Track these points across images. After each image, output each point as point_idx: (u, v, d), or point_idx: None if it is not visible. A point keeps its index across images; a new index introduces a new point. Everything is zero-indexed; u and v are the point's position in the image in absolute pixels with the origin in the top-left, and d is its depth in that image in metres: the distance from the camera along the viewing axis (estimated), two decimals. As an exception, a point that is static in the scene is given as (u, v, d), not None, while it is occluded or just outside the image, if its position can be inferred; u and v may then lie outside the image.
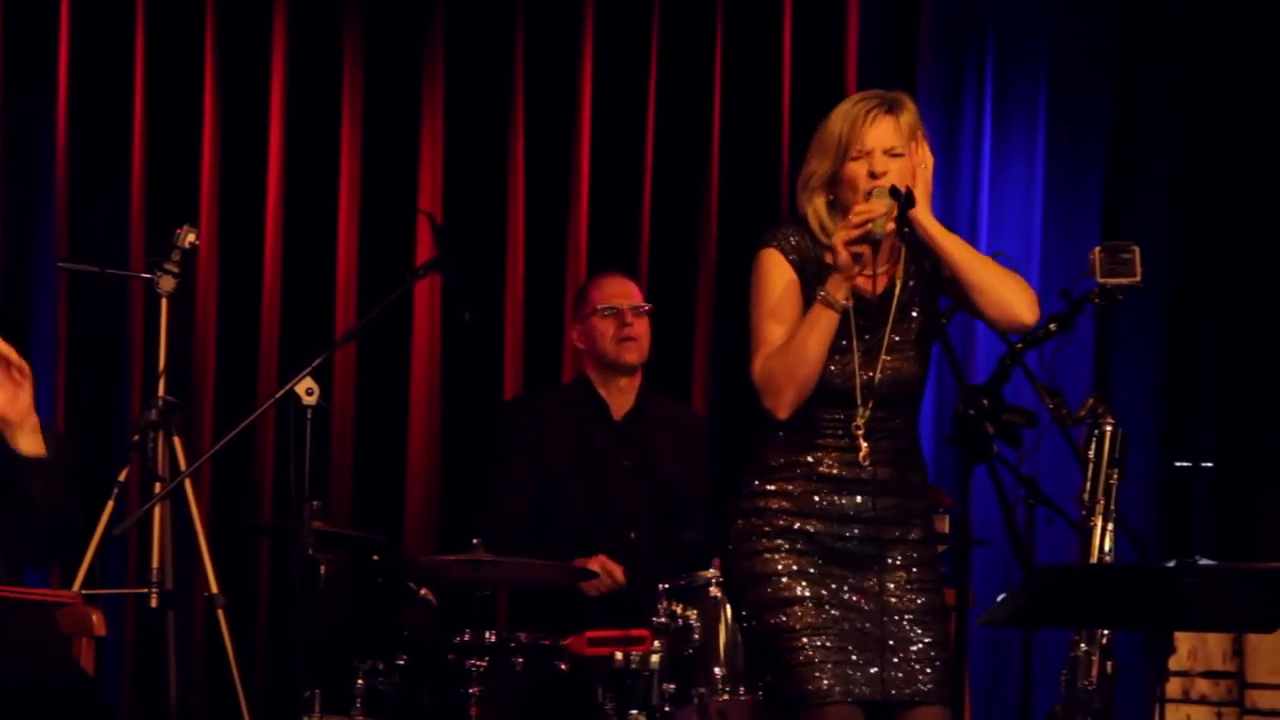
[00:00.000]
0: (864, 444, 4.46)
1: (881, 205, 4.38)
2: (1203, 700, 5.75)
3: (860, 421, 4.46)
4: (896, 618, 4.45)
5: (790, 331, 4.45)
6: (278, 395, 5.47)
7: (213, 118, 6.95)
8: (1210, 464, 6.78)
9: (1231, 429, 6.90)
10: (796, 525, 4.48)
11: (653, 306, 6.28)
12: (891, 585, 4.47)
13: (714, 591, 5.62)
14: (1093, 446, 5.40)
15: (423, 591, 5.83)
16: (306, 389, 5.38)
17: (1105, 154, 7.13)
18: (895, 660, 4.44)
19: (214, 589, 5.90)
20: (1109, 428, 5.36)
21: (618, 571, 5.98)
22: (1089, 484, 5.39)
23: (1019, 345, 4.37)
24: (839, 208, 4.49)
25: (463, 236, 6.85)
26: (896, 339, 4.51)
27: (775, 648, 4.47)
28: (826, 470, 4.49)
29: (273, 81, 6.98)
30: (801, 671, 4.43)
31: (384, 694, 5.70)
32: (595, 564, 5.96)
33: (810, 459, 4.49)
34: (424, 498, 7.00)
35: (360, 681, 5.70)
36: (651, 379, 6.33)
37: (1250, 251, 6.93)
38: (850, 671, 4.42)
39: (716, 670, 5.57)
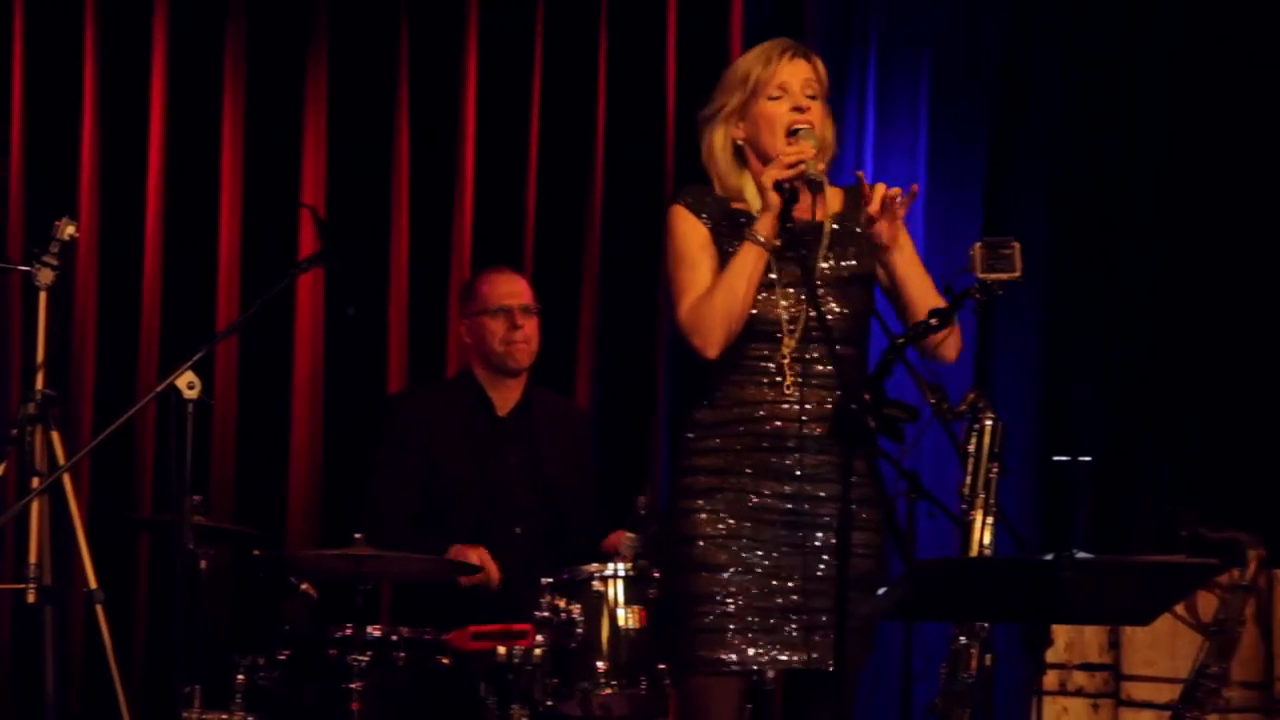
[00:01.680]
0: (789, 375, 4.46)
1: (810, 145, 4.41)
2: (1079, 692, 5.81)
3: (786, 353, 4.46)
4: (824, 585, 4.44)
5: (707, 276, 4.46)
6: (158, 389, 5.43)
7: (93, 109, 6.90)
8: (1089, 458, 6.84)
9: (1109, 424, 6.96)
10: (726, 484, 4.49)
11: (542, 306, 6.28)
12: (820, 547, 4.48)
13: (597, 585, 5.62)
14: (973, 441, 5.43)
15: (304, 586, 5.80)
16: (188, 383, 5.34)
17: (987, 151, 7.18)
18: (820, 625, 4.44)
19: (93, 584, 5.85)
20: (989, 422, 5.39)
21: (493, 569, 5.97)
22: (969, 478, 5.42)
23: (900, 340, 4.39)
24: (747, 150, 4.52)
25: (346, 230, 6.83)
26: (830, 275, 4.52)
27: (682, 610, 4.49)
28: (761, 426, 4.48)
29: (154, 73, 6.93)
30: (701, 638, 4.46)
31: (265, 689, 5.67)
32: (475, 555, 5.95)
33: (743, 413, 4.50)
34: (306, 492, 6.97)
35: (241, 677, 5.67)
36: (536, 373, 6.32)
37: (1129, 248, 6.99)
38: (760, 642, 4.44)
39: (599, 664, 5.57)
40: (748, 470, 4.50)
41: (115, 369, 6.88)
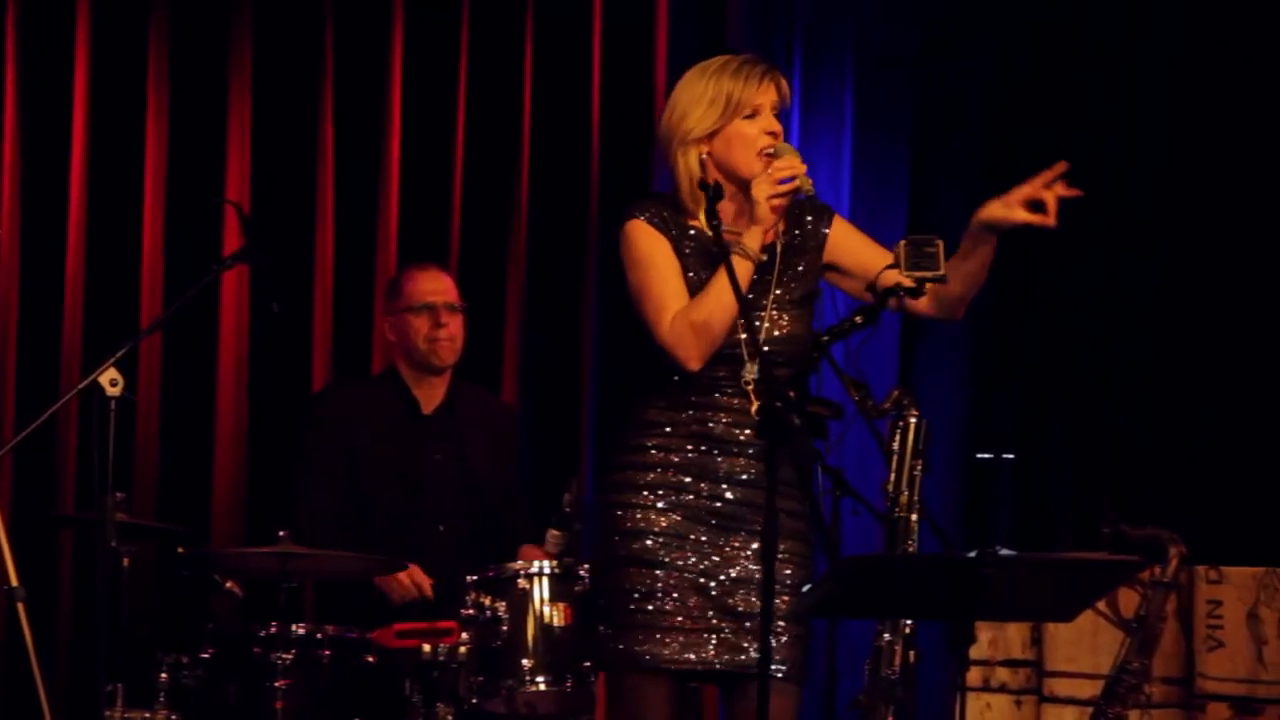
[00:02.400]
0: (755, 400, 4.44)
1: (798, 159, 4.45)
2: (1002, 688, 5.84)
3: (749, 377, 4.45)
4: (755, 588, 4.45)
5: (682, 289, 4.46)
6: (81, 386, 5.40)
7: (13, 103, 6.84)
8: (1011, 456, 6.88)
9: (1032, 421, 7.00)
10: (669, 482, 4.49)
11: (467, 304, 6.27)
12: (755, 553, 4.47)
13: (522, 583, 5.62)
14: (897, 438, 5.45)
15: (228, 584, 5.78)
16: (110, 379, 5.31)
17: (910, 149, 7.21)
18: (750, 630, 4.45)
19: (14, 582, 5.79)
20: (913, 420, 5.41)
21: (426, 585, 5.95)
22: (893, 475, 5.44)
23: (824, 338, 4.40)
24: (718, 166, 4.52)
25: (271, 227, 6.79)
26: (782, 296, 4.54)
27: (616, 605, 4.49)
28: (707, 430, 4.49)
29: (76, 67, 6.88)
30: (633, 634, 4.46)
31: (188, 688, 5.64)
32: (406, 576, 5.94)
33: (690, 416, 4.50)
34: (231, 489, 6.94)
35: (164, 675, 5.64)
36: (461, 370, 6.32)
37: (1053, 246, 7.03)
38: (691, 643, 4.44)
39: (525, 661, 5.57)
40: (690, 471, 4.50)
41: (37, 366, 6.82)
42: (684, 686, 4.55)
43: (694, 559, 4.48)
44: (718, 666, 4.48)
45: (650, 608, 4.46)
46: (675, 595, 4.46)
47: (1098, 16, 7.01)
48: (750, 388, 4.46)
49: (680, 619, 4.46)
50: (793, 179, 4.42)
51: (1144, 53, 6.96)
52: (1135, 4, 6.98)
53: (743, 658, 4.47)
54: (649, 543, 4.48)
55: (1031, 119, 7.04)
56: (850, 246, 4.63)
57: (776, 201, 4.43)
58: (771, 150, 4.50)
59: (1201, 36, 6.86)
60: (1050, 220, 4.32)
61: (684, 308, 4.45)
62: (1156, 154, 6.95)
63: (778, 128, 4.53)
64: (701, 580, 4.48)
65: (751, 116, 4.52)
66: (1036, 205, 4.33)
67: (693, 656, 4.46)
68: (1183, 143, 6.90)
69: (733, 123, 4.52)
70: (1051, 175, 4.33)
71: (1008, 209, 4.37)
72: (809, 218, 4.65)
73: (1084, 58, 7.01)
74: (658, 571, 4.47)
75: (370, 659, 5.70)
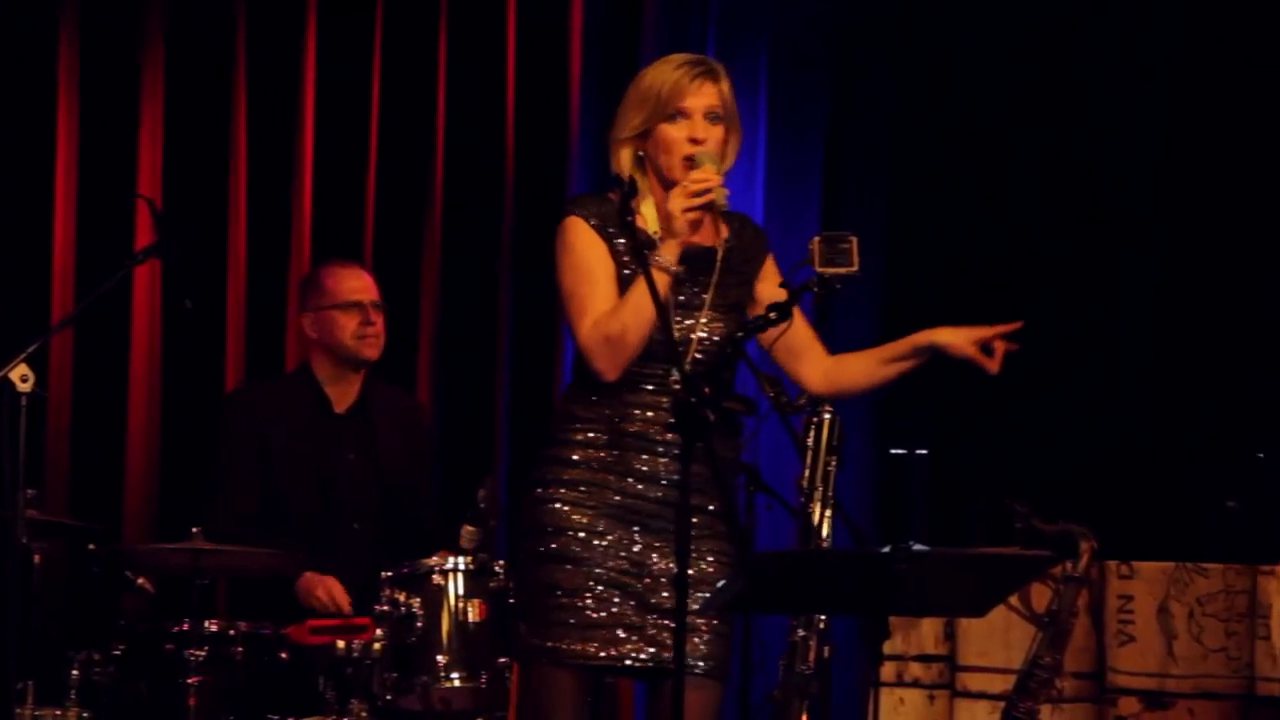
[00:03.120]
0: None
1: (714, 171, 4.40)
2: (916, 683, 5.86)
3: (677, 378, 4.44)
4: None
5: (608, 293, 4.45)
6: (-10, 382, 5.36)
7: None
8: (925, 451, 6.91)
9: (946, 417, 7.03)
10: (594, 480, 4.49)
11: (387, 304, 6.27)
12: (675, 548, 4.45)
13: (437, 579, 5.62)
14: (811, 434, 5.47)
15: (140, 581, 5.75)
16: (21, 376, 5.27)
17: (825, 145, 7.23)
18: (671, 626, 4.43)
19: (-77, 579, 5.76)
20: (827, 416, 5.43)
21: (344, 602, 5.93)
22: (808, 471, 5.45)
23: (740, 334, 4.42)
24: (648, 165, 4.51)
25: (183, 222, 6.76)
26: (719, 299, 4.55)
27: (534, 600, 4.49)
28: (636, 428, 4.49)
29: (-13, 62, 6.84)
30: (552, 630, 4.45)
31: (99, 685, 5.61)
32: (322, 590, 5.91)
33: (619, 414, 4.49)
34: (143, 486, 6.91)
35: (75, 672, 5.61)
36: (376, 367, 6.30)
37: (965, 243, 7.07)
38: (608, 638, 4.44)
39: (439, 658, 5.56)
40: (615, 469, 4.50)
41: (-53, 361, 6.77)
42: (599, 682, 4.55)
43: (616, 556, 4.48)
44: (638, 664, 4.48)
45: (570, 605, 4.46)
46: (596, 592, 4.46)
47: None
48: (678, 389, 4.46)
49: (601, 615, 4.46)
50: (707, 192, 4.40)
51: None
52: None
53: (665, 654, 4.47)
54: (570, 539, 4.48)
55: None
56: (767, 287, 4.63)
57: (691, 215, 4.39)
58: (692, 159, 4.48)
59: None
60: (995, 369, 4.49)
61: (602, 316, 4.43)
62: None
63: (704, 134, 4.47)
64: (623, 578, 4.48)
65: (677, 119, 4.49)
66: (985, 348, 4.51)
67: (613, 653, 4.47)
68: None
69: (660, 124, 4.50)
70: (1008, 329, 4.49)
71: (962, 342, 4.52)
72: (749, 232, 4.66)
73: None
74: (578, 568, 4.47)
75: (284, 656, 5.68)
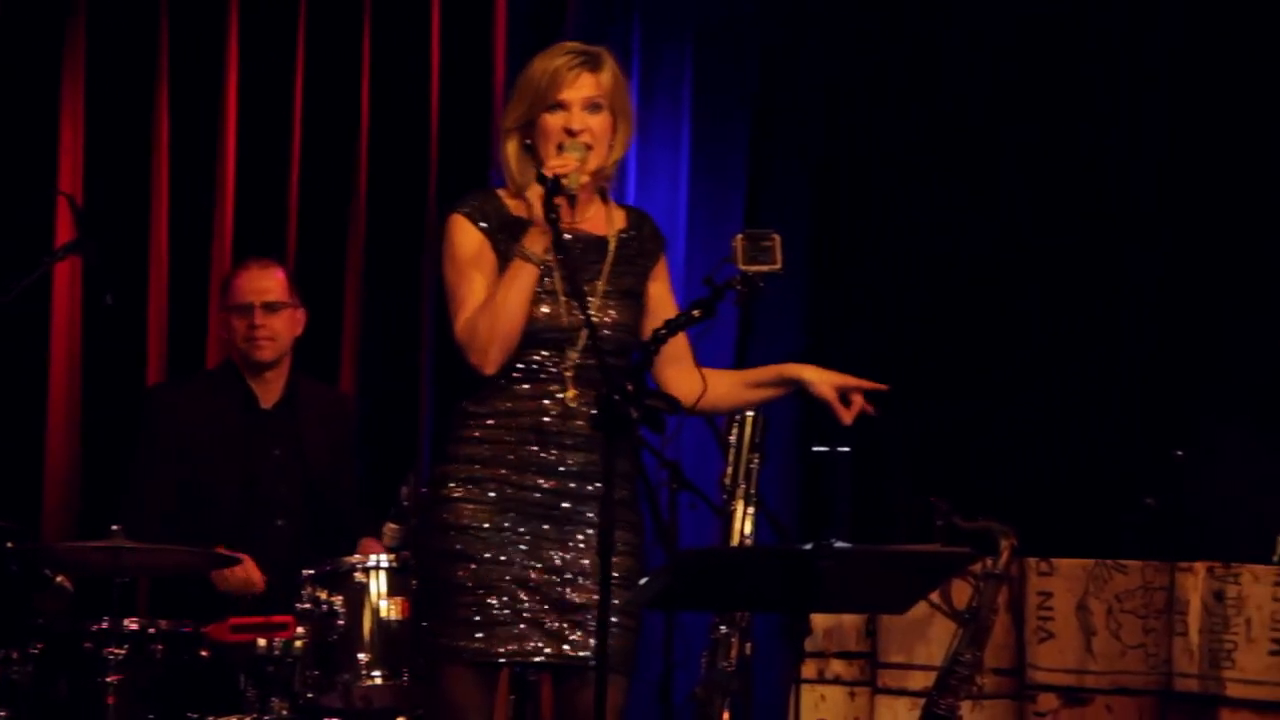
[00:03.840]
0: (572, 388, 4.48)
1: (574, 158, 4.41)
2: (837, 680, 5.88)
3: (569, 364, 4.47)
4: (584, 580, 4.47)
5: (483, 288, 4.45)
6: (-92, 378, 5.33)
7: None
8: (847, 449, 6.93)
9: (868, 414, 7.05)
10: (492, 475, 4.49)
11: (292, 301, 6.22)
12: (584, 544, 4.48)
13: (359, 577, 5.61)
14: (734, 431, 5.48)
15: (59, 579, 5.72)
16: (-61, 372, 5.25)
17: (749, 139, 7.24)
18: (576, 622, 4.46)
19: None
20: (750, 414, 5.45)
21: (258, 580, 5.91)
22: (730, 468, 5.47)
23: (663, 331, 4.43)
24: (533, 155, 4.51)
25: (104, 218, 6.72)
26: (611, 286, 4.55)
27: (440, 600, 4.48)
28: (530, 420, 4.49)
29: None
30: (458, 629, 4.45)
31: (17, 684, 5.57)
32: (240, 569, 5.89)
33: (514, 407, 4.50)
34: (63, 483, 6.86)
35: (-7, 671, 5.58)
36: (300, 364, 6.28)
37: (889, 239, 7.09)
38: (516, 635, 4.44)
39: (361, 656, 5.55)
40: (514, 464, 4.50)
41: None
42: (524, 679, 4.54)
43: (518, 552, 4.48)
44: (542, 659, 4.49)
45: (473, 603, 4.46)
46: (500, 589, 4.46)
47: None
48: (570, 375, 4.47)
49: (505, 613, 4.46)
50: (562, 177, 4.40)
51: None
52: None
53: (567, 648, 4.48)
54: (471, 538, 4.48)
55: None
56: (659, 287, 4.66)
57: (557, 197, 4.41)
58: (560, 146, 4.48)
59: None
60: (847, 420, 4.59)
61: (475, 309, 4.45)
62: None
63: (580, 124, 4.49)
64: (527, 573, 4.48)
65: (556, 109, 4.51)
66: (844, 397, 4.60)
67: (516, 649, 4.46)
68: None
69: (542, 114, 4.51)
70: (873, 388, 4.60)
71: (825, 386, 4.60)
72: (647, 229, 4.67)
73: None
74: (480, 566, 4.46)
75: (204, 654, 5.66)
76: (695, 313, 4.42)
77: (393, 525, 5.76)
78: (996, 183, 7.00)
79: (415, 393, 7.08)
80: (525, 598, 4.47)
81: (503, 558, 4.47)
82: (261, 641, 5.57)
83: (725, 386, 4.71)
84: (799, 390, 4.64)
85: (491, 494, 4.49)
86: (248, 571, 5.90)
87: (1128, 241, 6.88)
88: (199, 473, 6.09)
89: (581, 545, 4.50)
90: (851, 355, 7.09)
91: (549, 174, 4.40)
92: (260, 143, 7.06)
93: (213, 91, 7.01)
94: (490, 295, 4.44)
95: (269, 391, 6.22)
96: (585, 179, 4.45)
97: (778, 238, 4.48)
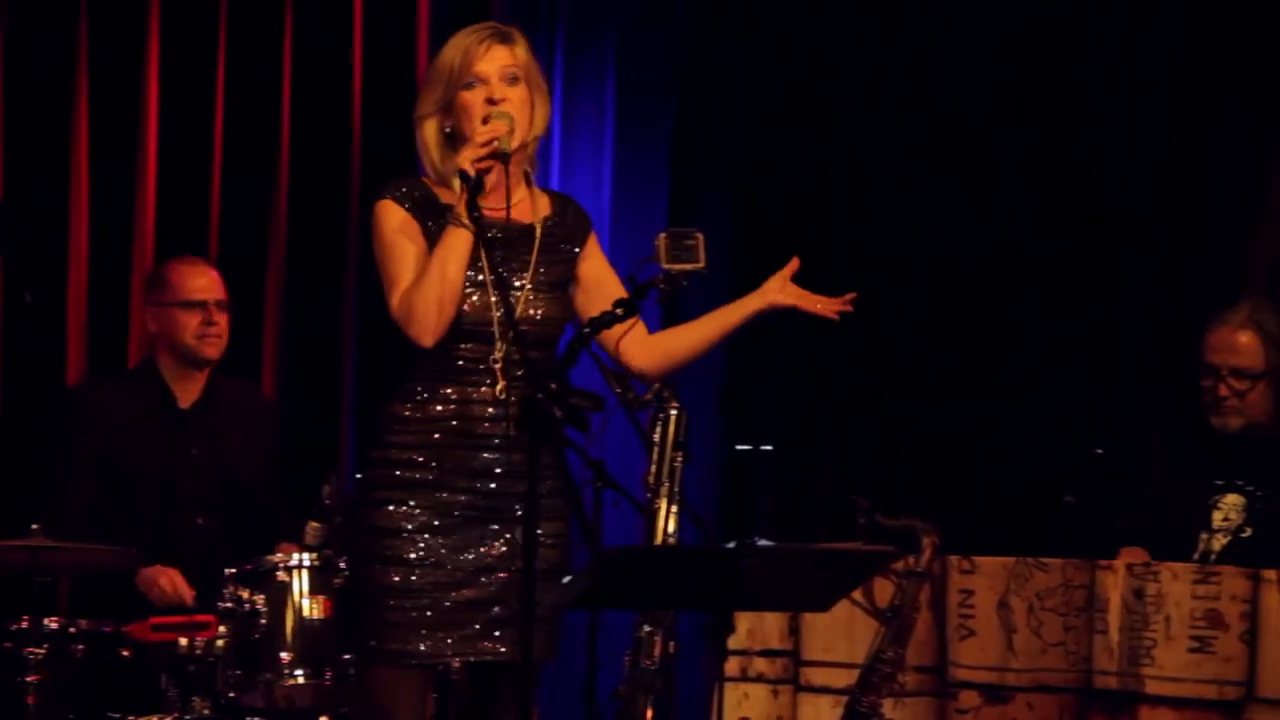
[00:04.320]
0: (502, 379, 4.47)
1: (503, 124, 4.42)
2: (760, 678, 5.89)
3: (498, 356, 4.46)
4: (512, 578, 4.47)
5: (414, 266, 4.45)
6: None
7: None
8: (770, 447, 6.95)
9: (790, 413, 7.08)
10: (421, 478, 4.48)
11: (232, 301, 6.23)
12: (511, 543, 4.48)
13: (281, 576, 5.59)
14: (658, 429, 5.48)
15: (-23, 579, 5.68)
16: None
17: (672, 141, 7.25)
18: (506, 619, 4.46)
19: None
20: (674, 412, 5.45)
21: (186, 593, 5.88)
22: (654, 466, 5.47)
23: (586, 330, 4.43)
24: (455, 139, 4.51)
25: (22, 214, 6.68)
26: (539, 277, 4.55)
27: (369, 602, 4.48)
28: (459, 424, 4.48)
29: None
30: (388, 631, 4.45)
31: (-65, 685, 5.54)
32: (165, 580, 5.86)
33: (442, 410, 4.49)
34: (-20, 483, 6.82)
35: (-90, 673, 5.54)
36: (221, 363, 6.26)
37: (812, 240, 7.11)
38: (445, 635, 4.45)
39: (284, 655, 5.54)
40: (442, 465, 4.50)
41: None
42: (440, 677, 4.54)
43: (443, 552, 4.48)
44: (468, 659, 4.50)
45: (401, 605, 4.45)
46: (427, 591, 4.46)
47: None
48: (499, 367, 4.47)
49: (430, 614, 4.46)
50: (492, 141, 4.42)
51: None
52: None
53: (486, 644, 4.49)
54: (400, 539, 4.47)
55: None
56: (593, 265, 4.67)
57: (482, 165, 4.42)
58: (487, 117, 4.48)
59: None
60: (833, 309, 4.73)
61: (410, 282, 4.44)
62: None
63: (501, 94, 4.49)
64: (454, 574, 4.48)
65: (474, 85, 4.51)
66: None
67: (446, 649, 4.47)
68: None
69: (460, 94, 4.51)
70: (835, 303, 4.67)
71: (787, 295, 4.71)
72: (570, 211, 4.67)
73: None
74: (408, 568, 4.46)
75: (125, 653, 5.63)
76: (619, 311, 4.43)
77: (315, 524, 5.74)
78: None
79: (337, 391, 7.06)
80: (454, 598, 4.47)
81: (432, 559, 4.47)
82: (183, 641, 5.55)
83: (682, 332, 4.71)
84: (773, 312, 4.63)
85: (419, 496, 4.49)
86: (175, 585, 5.87)
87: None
88: (119, 472, 6.06)
89: (508, 544, 4.49)
90: (772, 353, 7.13)
91: (480, 140, 4.39)
92: (181, 140, 7.02)
93: (133, 87, 6.97)
94: (426, 267, 4.43)
95: (189, 391, 6.19)
96: (516, 144, 4.44)
97: (701, 236, 4.49)
